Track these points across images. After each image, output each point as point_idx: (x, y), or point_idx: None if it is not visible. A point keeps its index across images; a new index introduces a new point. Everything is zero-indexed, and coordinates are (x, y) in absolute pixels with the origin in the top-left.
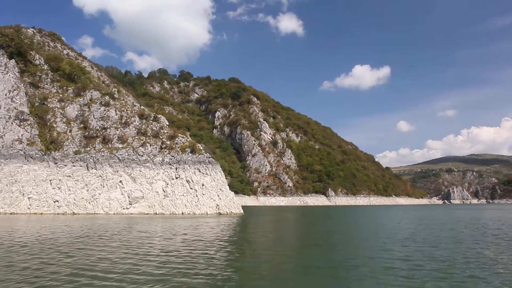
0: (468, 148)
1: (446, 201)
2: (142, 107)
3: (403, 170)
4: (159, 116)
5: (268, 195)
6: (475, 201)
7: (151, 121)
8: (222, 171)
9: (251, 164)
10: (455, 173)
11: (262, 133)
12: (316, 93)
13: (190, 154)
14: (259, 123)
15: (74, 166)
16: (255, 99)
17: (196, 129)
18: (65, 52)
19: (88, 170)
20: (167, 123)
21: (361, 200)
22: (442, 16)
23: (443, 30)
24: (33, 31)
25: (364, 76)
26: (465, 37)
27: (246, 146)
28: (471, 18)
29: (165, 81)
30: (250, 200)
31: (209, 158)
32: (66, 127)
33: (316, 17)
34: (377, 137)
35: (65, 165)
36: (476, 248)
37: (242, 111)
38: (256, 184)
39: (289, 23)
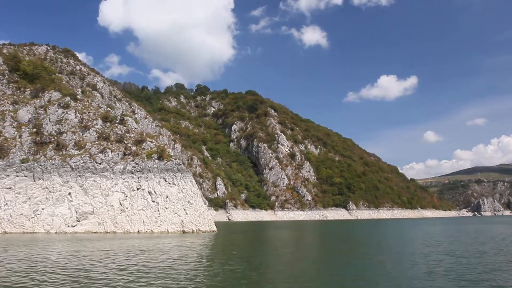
0: (499, 158)
1: (476, 213)
2: (108, 108)
3: (430, 182)
4: (126, 118)
5: (286, 209)
6: (507, 212)
7: (116, 124)
8: (193, 181)
9: (268, 178)
10: (485, 183)
11: (279, 145)
12: (341, 105)
13: (156, 161)
14: (276, 135)
15: (17, 176)
16: (272, 111)
17: (213, 143)
18: (77, 67)
19: (34, 181)
20: (136, 126)
21: (384, 213)
22: (469, 24)
23: (471, 38)
24: (46, 48)
25: (390, 86)
26: (493, 44)
27: (263, 159)
28: (499, 25)
29: (182, 96)
30: (267, 215)
31: (179, 165)
32: (15, 132)
33: (340, 28)
34: (403, 149)
35: (7, 176)
36: None
37: (259, 123)
38: (273, 198)
39: (312, 35)
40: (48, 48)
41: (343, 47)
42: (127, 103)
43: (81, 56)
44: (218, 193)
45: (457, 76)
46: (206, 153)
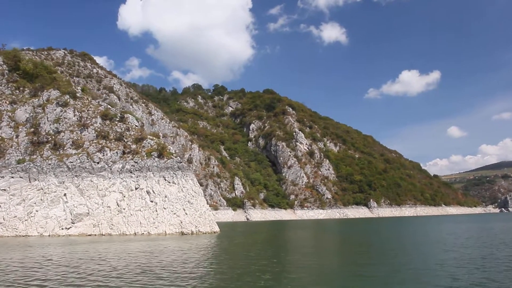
0: None
1: (503, 209)
2: (108, 105)
3: (454, 178)
4: (127, 115)
5: (305, 208)
6: None
7: (116, 122)
8: (195, 179)
9: (287, 176)
10: None
11: (298, 143)
12: (361, 102)
13: (156, 159)
14: (294, 133)
15: (12, 177)
16: (290, 109)
17: (231, 142)
18: (94, 70)
19: (29, 182)
20: (137, 124)
21: (407, 211)
22: (493, 18)
23: (495, 32)
24: (64, 52)
25: (412, 82)
26: None
27: (281, 158)
28: None
29: (199, 96)
30: (287, 214)
31: (179, 163)
32: (12, 132)
33: (359, 24)
34: (427, 145)
35: (2, 177)
36: None
37: (277, 122)
38: (292, 197)
39: (332, 32)
40: (66, 52)
41: (363, 43)
42: (143, 105)
43: (102, 60)
44: (236, 192)
45: (481, 70)
46: (224, 152)
